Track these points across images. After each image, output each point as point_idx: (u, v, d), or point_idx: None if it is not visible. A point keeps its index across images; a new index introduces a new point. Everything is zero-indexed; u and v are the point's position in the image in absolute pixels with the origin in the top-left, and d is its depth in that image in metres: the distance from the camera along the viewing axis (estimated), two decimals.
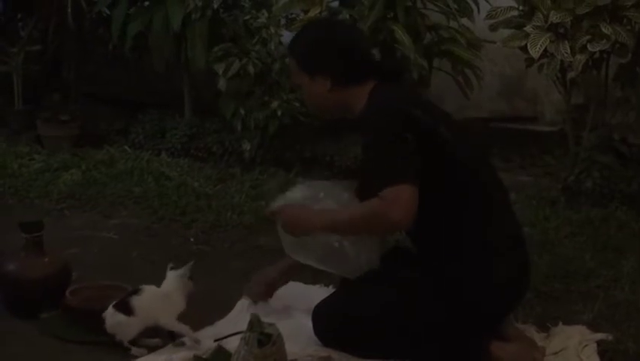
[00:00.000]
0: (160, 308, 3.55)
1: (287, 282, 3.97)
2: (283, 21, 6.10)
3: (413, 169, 3.29)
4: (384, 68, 3.62)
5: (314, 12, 5.68)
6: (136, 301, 3.53)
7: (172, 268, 3.62)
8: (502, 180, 3.63)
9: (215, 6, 6.00)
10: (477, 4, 5.86)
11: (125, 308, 3.52)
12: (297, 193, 3.68)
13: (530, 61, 5.45)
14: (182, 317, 3.60)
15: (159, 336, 3.59)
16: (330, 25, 3.78)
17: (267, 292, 3.94)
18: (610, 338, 3.66)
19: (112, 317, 3.53)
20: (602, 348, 3.60)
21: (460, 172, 3.39)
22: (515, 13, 5.58)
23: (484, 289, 3.39)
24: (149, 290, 3.58)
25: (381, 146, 3.35)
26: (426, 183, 3.33)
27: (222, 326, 3.77)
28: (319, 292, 4.00)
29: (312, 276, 4.17)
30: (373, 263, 3.58)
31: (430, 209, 3.36)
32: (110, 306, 3.54)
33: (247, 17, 5.98)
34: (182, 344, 3.59)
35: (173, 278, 3.61)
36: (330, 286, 4.06)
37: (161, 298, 3.57)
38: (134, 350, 3.53)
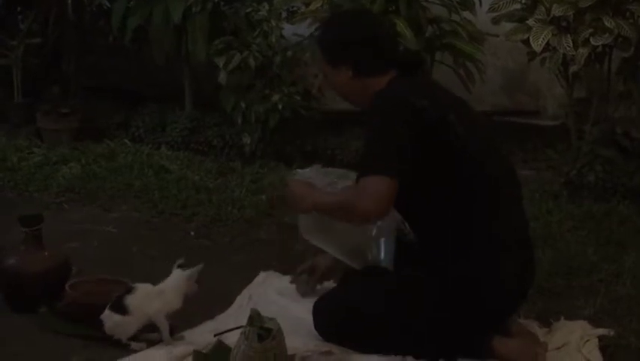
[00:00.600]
0: (154, 305, 3.53)
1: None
2: (284, 14, 6.09)
3: (399, 164, 3.28)
4: (405, 59, 3.60)
5: (315, 5, 5.66)
6: (130, 300, 3.51)
7: (179, 266, 3.60)
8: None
9: None
10: None
11: (121, 308, 3.51)
12: (310, 173, 3.72)
13: (533, 54, 5.44)
14: (177, 314, 3.58)
15: (159, 331, 3.58)
16: (354, 17, 3.75)
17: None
18: (611, 333, 3.65)
19: (109, 318, 3.52)
20: (604, 343, 3.59)
21: (468, 165, 3.37)
22: (518, 6, 5.56)
23: (491, 284, 3.37)
24: (142, 288, 3.56)
25: (374, 133, 3.38)
26: (433, 177, 3.35)
27: (222, 321, 3.76)
28: (320, 287, 3.99)
29: None
30: (389, 263, 3.63)
31: (437, 202, 3.37)
32: (107, 308, 3.52)
33: (248, 10, 5.97)
34: (182, 338, 3.58)
35: (176, 277, 3.59)
36: (331, 281, 4.05)
37: (155, 295, 3.55)
38: (134, 345, 3.52)
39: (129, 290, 3.55)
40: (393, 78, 3.48)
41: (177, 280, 3.58)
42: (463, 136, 3.36)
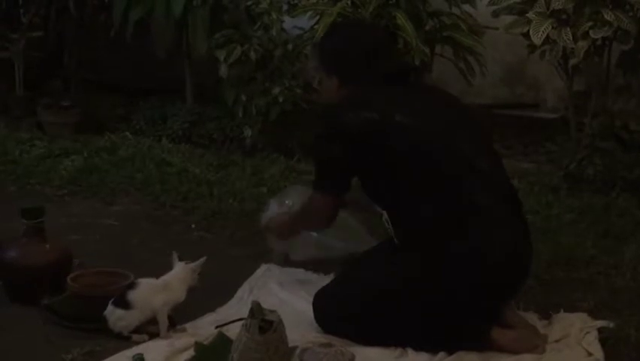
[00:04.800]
0: (159, 298, 3.54)
1: None
2: (285, 7, 6.08)
3: (338, 182, 3.62)
4: (387, 70, 3.69)
5: None
6: (133, 295, 3.52)
7: (182, 259, 3.62)
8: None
9: None
10: None
11: (124, 303, 3.52)
12: (272, 209, 4.09)
13: (532, 47, 5.44)
14: (178, 307, 3.60)
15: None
16: (347, 31, 3.97)
17: None
18: (611, 325, 3.65)
19: (112, 314, 3.53)
20: (604, 335, 3.59)
21: (420, 164, 3.48)
22: None
23: (474, 258, 3.41)
24: (145, 283, 3.57)
25: (315, 152, 3.79)
26: (387, 179, 3.51)
27: (223, 313, 3.77)
28: (319, 279, 4.02)
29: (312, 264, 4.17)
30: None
31: (402, 199, 3.51)
32: (110, 304, 3.54)
33: (249, 3, 5.97)
34: (184, 330, 3.60)
35: (181, 269, 3.60)
36: (331, 274, 4.06)
37: (161, 288, 3.56)
38: (135, 337, 3.52)
39: (132, 285, 3.56)
40: (360, 88, 3.63)
41: (182, 273, 3.59)
42: (416, 138, 3.48)
